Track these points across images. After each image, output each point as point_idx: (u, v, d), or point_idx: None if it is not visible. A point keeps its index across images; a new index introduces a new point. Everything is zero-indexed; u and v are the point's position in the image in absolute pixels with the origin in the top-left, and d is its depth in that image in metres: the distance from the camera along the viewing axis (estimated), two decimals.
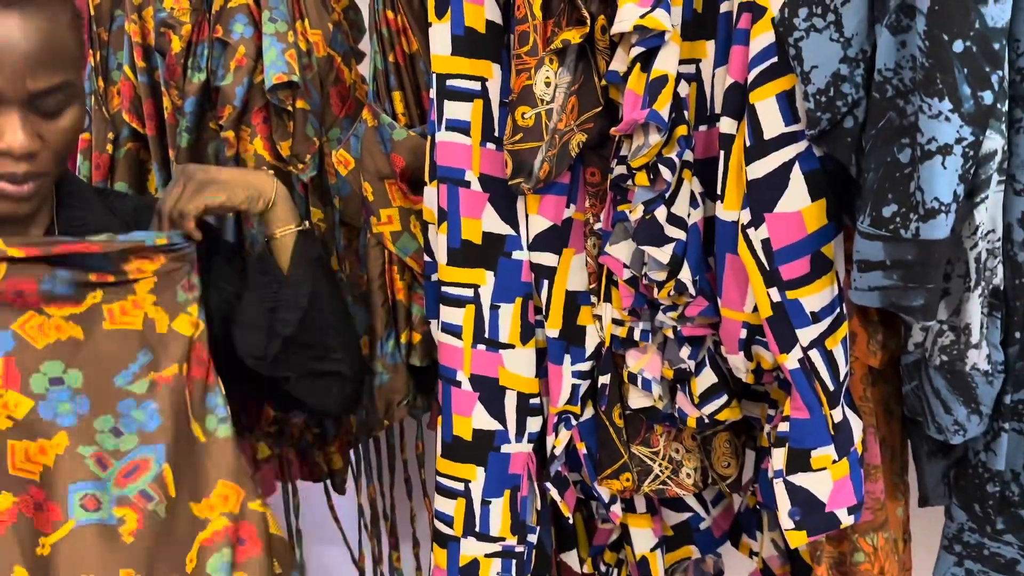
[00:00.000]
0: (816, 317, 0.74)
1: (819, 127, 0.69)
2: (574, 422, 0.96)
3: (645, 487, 0.98)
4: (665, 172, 0.81)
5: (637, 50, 0.82)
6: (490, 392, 0.95)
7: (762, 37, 0.73)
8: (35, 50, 0.77)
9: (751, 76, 0.74)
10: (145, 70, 1.25)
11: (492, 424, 0.95)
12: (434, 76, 0.92)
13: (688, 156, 0.86)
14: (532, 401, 0.97)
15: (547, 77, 0.87)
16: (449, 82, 0.91)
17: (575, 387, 0.95)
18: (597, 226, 0.94)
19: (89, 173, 1.30)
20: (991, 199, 0.67)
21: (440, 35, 0.90)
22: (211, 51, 1.24)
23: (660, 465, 0.97)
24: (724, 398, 0.87)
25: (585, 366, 0.96)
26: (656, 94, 0.80)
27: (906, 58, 0.63)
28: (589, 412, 0.98)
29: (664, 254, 0.83)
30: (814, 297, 0.74)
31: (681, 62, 0.85)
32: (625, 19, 0.82)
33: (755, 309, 0.77)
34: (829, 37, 0.67)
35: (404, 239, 1.09)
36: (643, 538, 1.05)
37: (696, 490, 0.99)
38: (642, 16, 0.80)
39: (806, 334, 0.74)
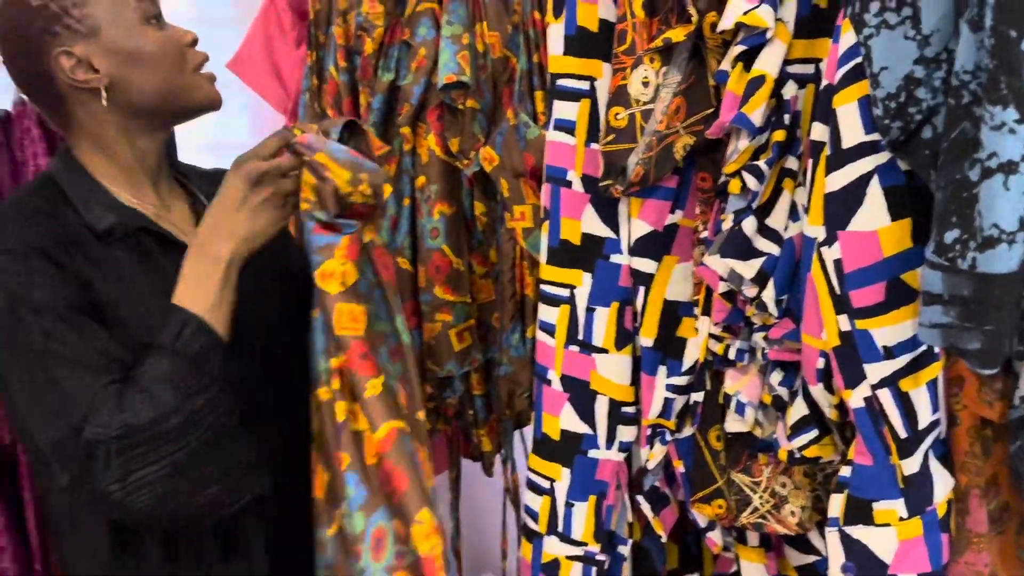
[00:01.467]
0: (890, 352, 0.65)
1: (890, 136, 0.60)
2: (669, 437, 0.92)
3: (743, 518, 0.91)
4: (751, 181, 0.75)
5: (739, 49, 0.77)
6: (580, 394, 0.94)
7: (849, 35, 0.64)
8: None
9: (836, 77, 0.66)
10: (346, 69, 1.40)
11: (580, 427, 0.94)
12: (549, 76, 0.93)
13: (792, 164, 0.78)
14: (625, 409, 0.94)
15: (645, 77, 0.84)
16: (559, 82, 0.91)
17: (668, 401, 0.92)
18: (704, 234, 0.89)
19: None
20: None
21: (555, 35, 0.91)
22: (399, 53, 1.36)
23: (761, 497, 0.90)
24: (814, 432, 0.78)
25: (681, 380, 0.91)
26: (750, 95, 0.75)
27: (984, 59, 0.53)
28: (689, 429, 0.93)
29: (749, 268, 0.77)
30: (888, 330, 0.64)
31: (796, 61, 0.78)
32: (730, 16, 0.77)
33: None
34: (903, 35, 0.57)
35: (535, 235, 1.11)
36: (754, 573, 0.98)
37: (801, 531, 0.90)
38: (745, 13, 0.75)
39: (875, 370, 0.65)
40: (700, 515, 0.93)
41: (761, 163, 0.75)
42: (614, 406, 0.94)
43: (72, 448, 0.75)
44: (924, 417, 0.65)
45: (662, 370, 0.92)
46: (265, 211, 0.86)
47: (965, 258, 0.53)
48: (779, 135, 0.76)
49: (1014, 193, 0.50)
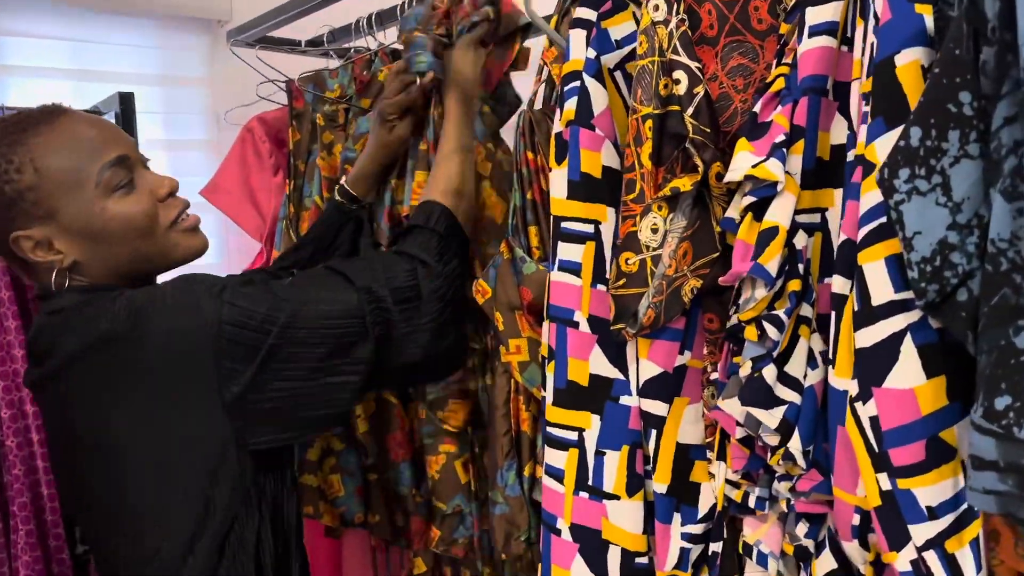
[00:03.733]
0: (933, 513, 0.63)
1: (926, 299, 0.60)
2: None
3: None
4: (771, 330, 0.75)
5: (748, 199, 0.78)
6: (591, 545, 0.90)
7: (871, 194, 0.66)
8: (109, 123, 0.98)
9: (860, 235, 0.67)
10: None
11: None
12: (552, 218, 0.93)
13: (807, 311, 0.79)
14: (639, 560, 0.90)
15: (654, 224, 0.85)
16: (564, 224, 0.91)
17: (684, 551, 0.88)
18: (714, 375, 0.88)
19: None
20: None
21: (558, 180, 0.92)
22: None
23: None
24: None
25: (697, 528, 0.88)
26: (764, 246, 0.76)
27: (1023, 228, 0.54)
28: None
29: (772, 418, 0.76)
30: (931, 489, 0.63)
31: (804, 211, 0.79)
32: (737, 168, 0.79)
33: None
34: (935, 201, 0.59)
35: (531, 369, 1.09)
36: None
37: None
38: (754, 166, 0.77)
39: (921, 532, 0.63)
40: None
41: (780, 312, 0.75)
42: (627, 557, 0.90)
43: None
44: None
45: (677, 517, 0.89)
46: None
47: (1022, 427, 0.53)
48: (795, 284, 0.76)
49: None
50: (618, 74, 0.92)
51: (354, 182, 1.26)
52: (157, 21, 2.10)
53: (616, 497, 0.90)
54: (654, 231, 0.85)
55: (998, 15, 0.56)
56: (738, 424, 0.81)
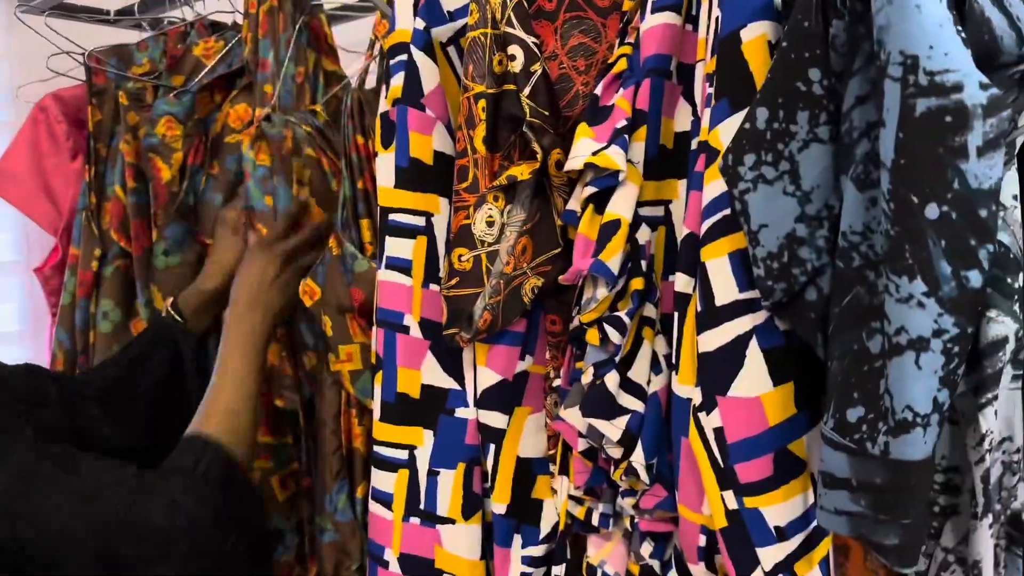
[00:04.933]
0: (782, 534, 0.58)
1: (773, 298, 0.55)
2: None
3: None
4: (612, 333, 0.68)
5: (589, 190, 0.71)
6: None
7: (715, 184, 0.60)
8: None
9: (703, 228, 0.61)
10: (136, 190, 1.23)
11: None
12: (379, 210, 0.83)
13: (651, 311, 0.72)
14: None
15: (489, 216, 0.77)
16: (392, 216, 0.81)
17: (525, 575, 0.80)
18: (556, 382, 0.81)
19: (74, 289, 1.27)
20: (1003, 399, 0.50)
21: (385, 166, 0.82)
22: (202, 179, 1.22)
23: None
24: None
25: (539, 550, 0.81)
26: (605, 241, 0.68)
27: (876, 219, 0.50)
28: None
29: (615, 428, 0.69)
30: (780, 507, 0.58)
31: (647, 203, 0.73)
32: (578, 155, 0.71)
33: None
34: (783, 190, 0.54)
35: (365, 379, 0.98)
36: None
37: None
38: (594, 153, 0.70)
39: (769, 555, 0.58)
40: None
41: (622, 314, 0.69)
42: None
43: None
44: None
45: (517, 539, 0.81)
46: (292, 286, 1.00)
47: (876, 442, 0.48)
48: (637, 283, 0.70)
49: (926, 372, 0.46)
50: (451, 49, 0.82)
51: (185, 301, 1.09)
52: None
53: (451, 521, 0.81)
54: (489, 224, 0.77)
55: None
56: (580, 435, 0.74)
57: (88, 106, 1.29)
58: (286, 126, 1.08)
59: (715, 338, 0.59)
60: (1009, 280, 0.49)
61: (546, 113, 0.76)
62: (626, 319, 0.68)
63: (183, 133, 1.20)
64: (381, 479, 0.82)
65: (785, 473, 0.58)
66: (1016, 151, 0.52)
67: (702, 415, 0.60)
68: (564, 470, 0.79)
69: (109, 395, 1.02)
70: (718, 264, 0.59)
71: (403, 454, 0.81)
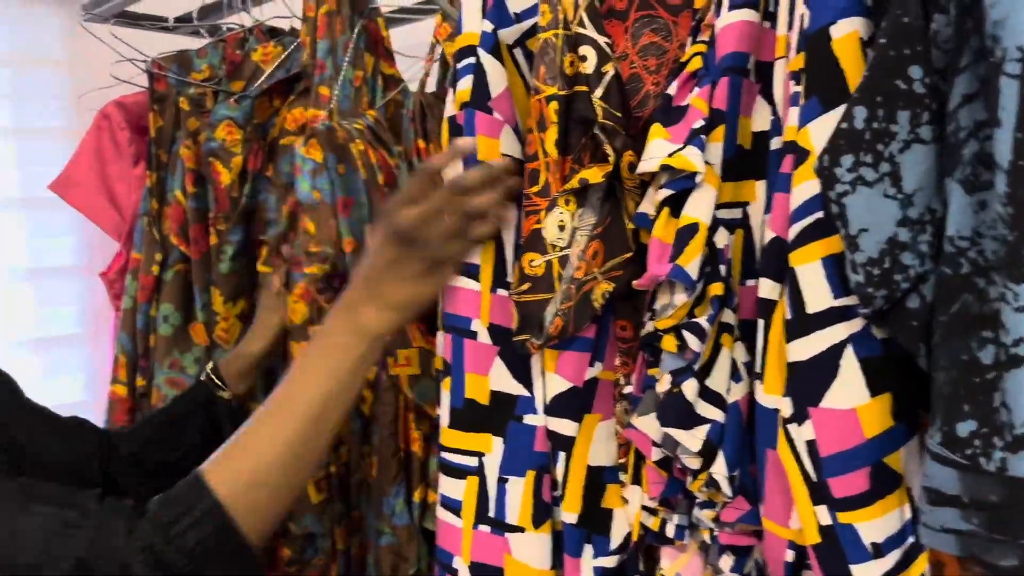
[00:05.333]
0: (879, 550, 0.56)
1: (873, 306, 0.52)
2: None
3: None
4: (692, 340, 0.66)
5: (665, 193, 0.69)
6: None
7: (806, 186, 0.58)
8: None
9: (792, 233, 0.59)
10: (196, 195, 1.24)
11: None
12: None
13: (730, 318, 0.70)
14: None
15: (561, 220, 0.75)
16: None
17: None
18: (627, 389, 0.79)
19: (135, 293, 1.29)
20: None
21: (452, 171, 0.81)
22: (260, 185, 1.22)
23: None
24: None
25: (610, 561, 0.79)
26: (683, 245, 0.67)
27: (987, 224, 0.47)
28: None
29: (694, 439, 0.67)
30: (876, 523, 0.56)
31: (724, 206, 0.71)
32: (652, 157, 0.69)
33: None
34: (883, 192, 0.51)
35: (423, 384, 0.98)
36: None
37: None
38: (670, 155, 0.68)
39: (865, 572, 0.56)
40: None
41: (702, 320, 0.67)
42: None
43: None
44: None
45: (588, 549, 0.79)
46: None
47: (991, 457, 0.45)
48: (716, 288, 0.68)
49: None
50: (518, 51, 0.81)
51: (227, 365, 1.03)
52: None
53: (520, 529, 0.79)
54: (561, 228, 0.75)
55: None
56: (654, 444, 0.72)
57: (150, 112, 1.31)
58: (337, 123, 1.08)
59: (807, 347, 0.57)
60: None
61: (618, 115, 0.74)
62: (706, 325, 0.66)
63: (242, 138, 1.22)
64: (450, 486, 0.81)
65: (882, 488, 0.56)
66: None
67: (792, 427, 0.58)
68: (637, 480, 0.77)
69: (142, 458, 0.98)
70: (810, 270, 0.57)
71: (472, 461, 0.80)
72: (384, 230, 0.76)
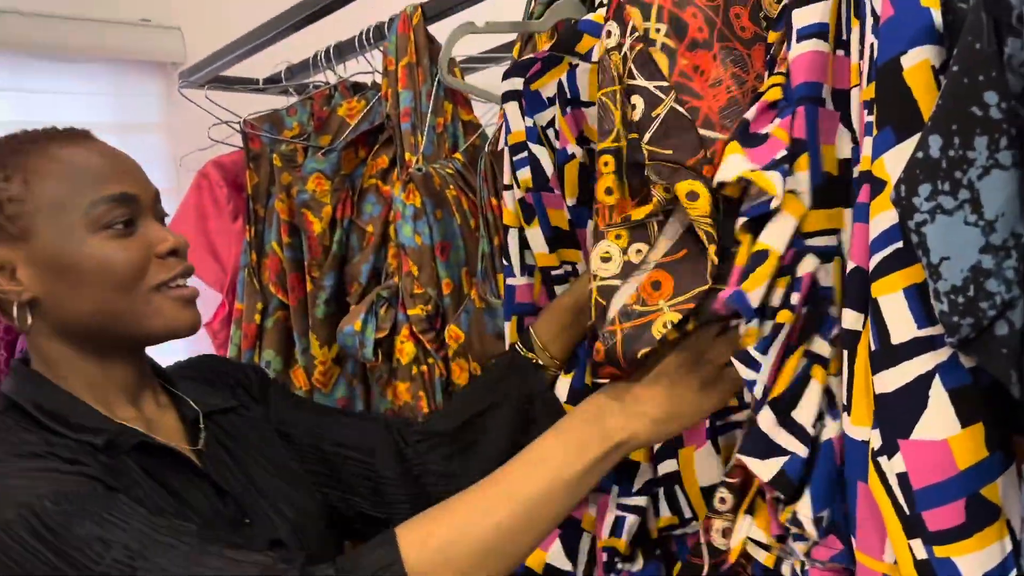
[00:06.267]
0: None
1: (959, 335, 0.52)
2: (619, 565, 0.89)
3: None
4: (743, 370, 0.66)
5: (742, 220, 0.69)
6: (570, 532, 0.90)
7: (883, 216, 0.57)
8: (135, 163, 0.85)
9: (873, 263, 0.58)
10: (291, 245, 1.31)
11: (565, 563, 0.91)
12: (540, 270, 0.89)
13: (822, 348, 0.69)
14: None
15: (606, 252, 0.76)
16: (552, 272, 0.86)
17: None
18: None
19: (239, 342, 1.36)
20: None
21: (534, 238, 0.91)
22: (348, 230, 1.28)
23: None
24: None
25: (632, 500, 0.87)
26: (750, 272, 0.66)
27: None
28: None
29: (767, 469, 0.67)
30: (975, 556, 0.54)
31: (818, 234, 0.68)
32: (730, 169, 0.69)
33: (895, 561, 0.58)
34: (964, 220, 0.51)
35: None
36: None
37: None
38: (752, 171, 0.67)
39: None
40: None
41: (750, 349, 0.66)
42: (594, 543, 0.91)
43: None
44: None
45: (614, 489, 0.88)
46: (699, 389, 0.72)
47: None
48: (783, 316, 0.67)
49: None
50: (550, 131, 0.90)
51: (539, 328, 0.92)
52: (108, 66, 2.01)
53: None
54: (605, 260, 0.76)
55: None
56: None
57: (246, 170, 1.39)
58: (432, 168, 1.13)
59: (894, 378, 0.56)
60: None
61: (669, 152, 0.74)
62: (755, 354, 0.66)
63: (331, 188, 1.28)
64: None
65: (979, 520, 0.54)
66: None
67: (883, 459, 0.57)
68: (750, 510, 0.76)
69: (453, 442, 0.94)
70: (892, 300, 0.56)
71: None
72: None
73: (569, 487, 0.69)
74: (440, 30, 1.22)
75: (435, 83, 1.23)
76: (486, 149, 1.12)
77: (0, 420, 0.75)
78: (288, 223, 1.31)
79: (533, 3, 1.10)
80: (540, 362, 0.92)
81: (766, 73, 0.75)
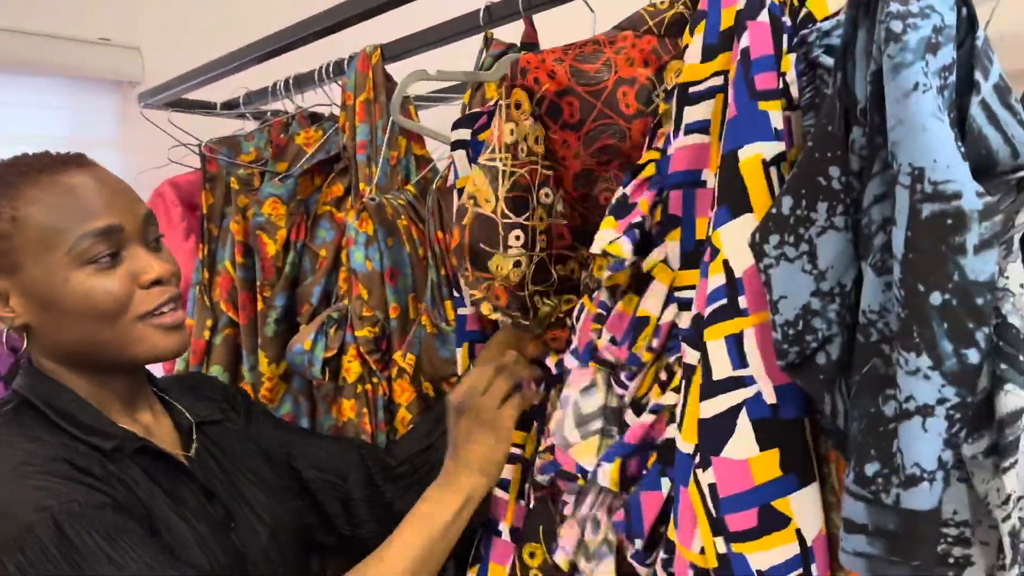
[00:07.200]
0: None
1: (787, 360, 0.65)
2: None
3: None
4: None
5: (606, 273, 0.84)
6: None
7: (715, 277, 0.71)
8: (125, 187, 0.89)
9: (706, 313, 0.72)
10: (244, 265, 1.39)
11: None
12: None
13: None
14: None
15: None
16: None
17: None
18: None
19: (188, 357, 1.43)
20: (1021, 462, 0.59)
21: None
22: (300, 253, 1.36)
23: None
24: None
25: None
26: (636, 335, 0.82)
27: (890, 301, 0.59)
28: None
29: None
30: (763, 554, 0.68)
31: (685, 288, 0.81)
32: (598, 241, 0.83)
33: (702, 551, 0.72)
34: (801, 268, 0.64)
35: None
36: None
37: None
38: (610, 243, 0.81)
39: None
40: None
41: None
42: None
43: None
44: None
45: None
46: (483, 430, 0.96)
47: (889, 493, 0.57)
48: (647, 356, 0.83)
49: (932, 435, 0.55)
50: None
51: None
52: (66, 82, 2.08)
53: None
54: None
55: (868, 97, 0.61)
56: None
57: (202, 191, 1.49)
58: (385, 199, 1.24)
59: (712, 407, 0.70)
60: (1021, 358, 0.58)
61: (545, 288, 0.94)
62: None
63: (287, 212, 1.37)
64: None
65: (768, 526, 0.67)
66: (1015, 246, 0.61)
67: (699, 471, 0.71)
68: None
69: (410, 470, 1.09)
70: (717, 345, 0.70)
71: (518, 451, 1.00)
72: (449, 409, 0.99)
73: (440, 536, 0.92)
74: (397, 70, 1.32)
75: (390, 119, 1.34)
76: (434, 186, 1.22)
77: (17, 417, 0.83)
78: (243, 243, 1.39)
79: (484, 54, 1.22)
80: None
81: (646, 144, 0.88)
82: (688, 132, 0.80)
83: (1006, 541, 0.60)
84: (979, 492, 0.61)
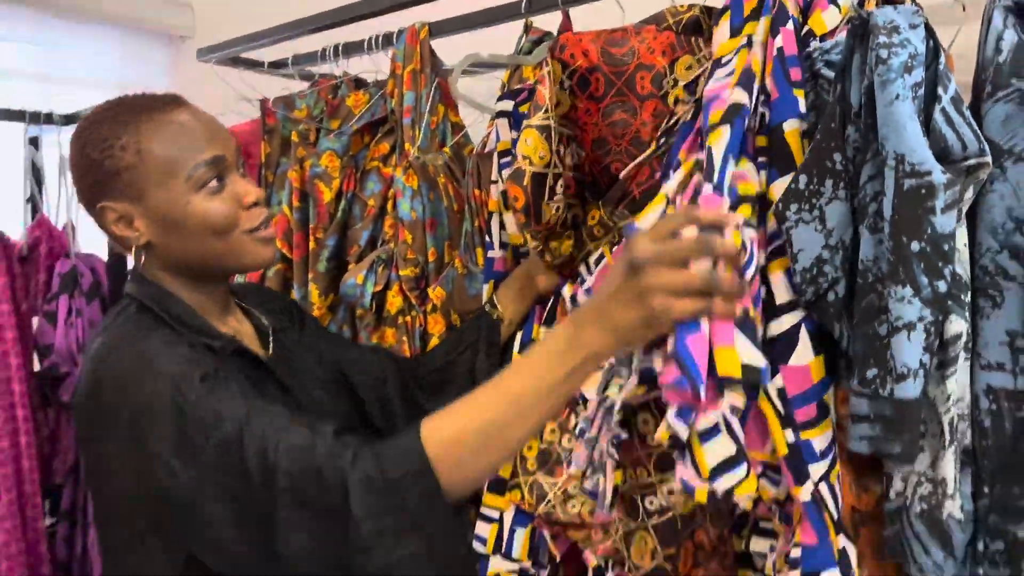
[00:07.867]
0: (823, 455, 0.87)
1: (806, 298, 0.85)
2: None
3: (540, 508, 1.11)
4: None
5: None
6: None
7: (772, 224, 0.90)
8: (219, 123, 1.03)
9: (768, 251, 0.91)
10: (299, 209, 1.54)
11: None
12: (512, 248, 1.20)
13: None
14: None
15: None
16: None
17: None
18: None
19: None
20: (959, 372, 0.80)
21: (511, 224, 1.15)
22: (351, 200, 1.51)
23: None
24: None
25: None
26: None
27: (882, 251, 0.80)
28: None
29: None
30: (820, 438, 0.86)
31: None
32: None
33: (773, 451, 0.89)
34: (814, 228, 0.84)
35: None
36: None
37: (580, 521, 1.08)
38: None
39: (816, 469, 0.86)
40: None
41: None
42: None
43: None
44: (841, 502, 0.88)
45: None
46: (643, 305, 0.76)
47: (885, 388, 0.77)
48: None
49: (915, 343, 0.76)
50: None
51: (505, 287, 1.25)
52: (121, 31, 2.15)
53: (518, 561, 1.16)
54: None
55: (863, 104, 0.82)
56: None
57: (261, 141, 1.62)
58: (429, 158, 1.40)
59: (778, 326, 0.87)
60: (962, 296, 0.79)
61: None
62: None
63: (340, 165, 1.52)
64: (480, 528, 1.17)
65: (823, 415, 0.87)
66: (962, 216, 0.81)
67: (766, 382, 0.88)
68: None
69: (430, 383, 1.23)
70: (777, 276, 0.89)
71: (495, 513, 1.16)
72: (624, 255, 0.78)
73: (549, 391, 0.81)
74: (438, 45, 1.49)
75: (432, 88, 1.49)
76: (475, 151, 1.38)
77: (140, 317, 0.96)
78: (299, 190, 1.53)
79: (523, 39, 1.39)
80: (501, 318, 1.23)
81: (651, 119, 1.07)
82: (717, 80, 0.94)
83: (946, 429, 0.81)
84: (931, 396, 0.81)
